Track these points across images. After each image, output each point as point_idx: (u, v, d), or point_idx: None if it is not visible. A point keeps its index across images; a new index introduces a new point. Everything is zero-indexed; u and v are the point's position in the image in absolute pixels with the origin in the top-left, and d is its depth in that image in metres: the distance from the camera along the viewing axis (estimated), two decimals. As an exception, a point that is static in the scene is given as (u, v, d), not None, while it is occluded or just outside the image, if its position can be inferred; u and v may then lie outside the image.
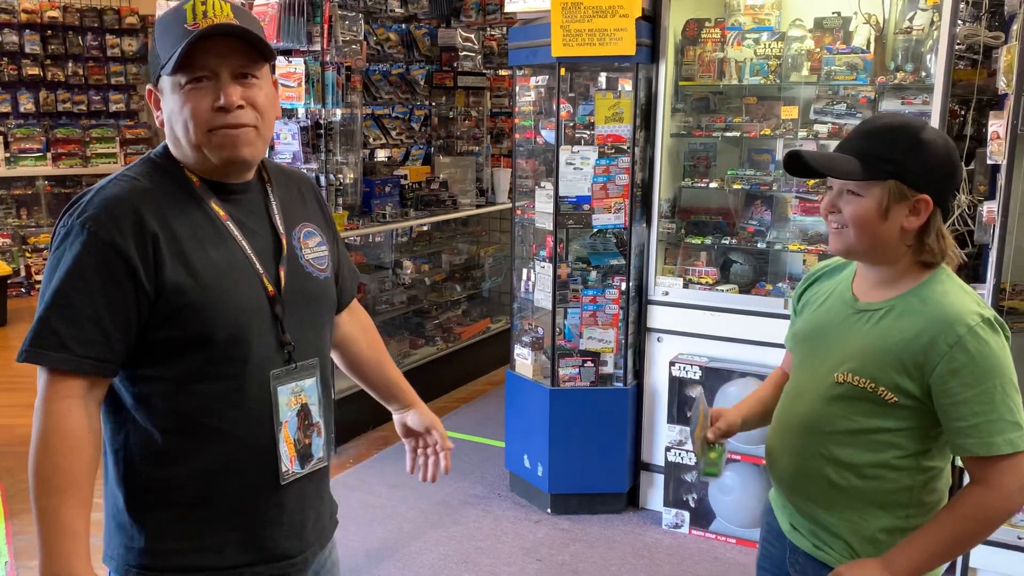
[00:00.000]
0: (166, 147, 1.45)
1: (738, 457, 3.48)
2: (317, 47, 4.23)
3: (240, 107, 1.36)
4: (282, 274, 1.45)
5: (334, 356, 1.72)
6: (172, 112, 1.38)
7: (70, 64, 8.46)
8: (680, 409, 3.62)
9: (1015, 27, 2.90)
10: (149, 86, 1.43)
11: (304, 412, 1.46)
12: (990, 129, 3.04)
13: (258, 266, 1.42)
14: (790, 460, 1.69)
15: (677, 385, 3.61)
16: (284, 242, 1.47)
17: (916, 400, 1.52)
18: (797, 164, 1.59)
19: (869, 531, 1.61)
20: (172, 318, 1.33)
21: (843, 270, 1.73)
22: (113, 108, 8.77)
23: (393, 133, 5.45)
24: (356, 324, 1.77)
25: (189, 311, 1.33)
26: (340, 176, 4.50)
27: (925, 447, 1.57)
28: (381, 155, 5.54)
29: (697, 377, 3.56)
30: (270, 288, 1.42)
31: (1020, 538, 2.93)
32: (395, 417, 1.82)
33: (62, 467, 1.28)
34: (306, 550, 1.51)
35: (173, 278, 1.32)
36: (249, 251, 1.41)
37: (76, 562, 1.28)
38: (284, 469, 1.43)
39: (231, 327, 1.36)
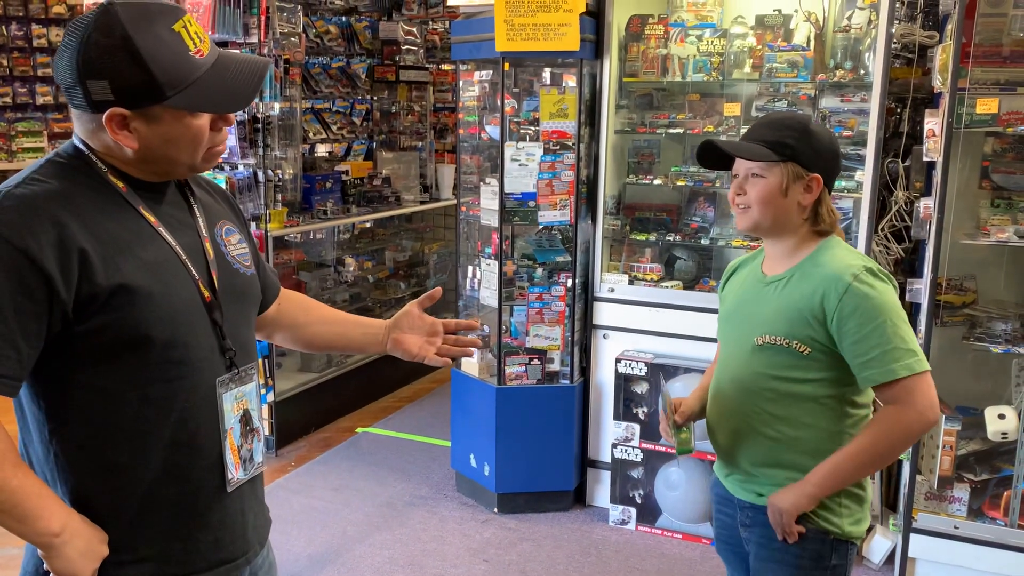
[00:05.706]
0: (76, 149, 1.34)
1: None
2: (254, 39, 4.11)
3: None
4: (215, 277, 1.41)
5: (295, 346, 1.77)
6: (173, 138, 1.31)
7: (-7, 55, 8.11)
8: (627, 405, 3.62)
9: (949, 27, 2.96)
10: (116, 110, 1.25)
11: (246, 417, 1.45)
12: (926, 127, 3.10)
13: (192, 271, 1.37)
14: (728, 424, 1.88)
15: (623, 382, 3.61)
16: (208, 244, 1.43)
17: (826, 348, 1.75)
18: (709, 154, 1.87)
19: None
20: (105, 324, 1.26)
21: (755, 259, 1.97)
22: (40, 101, 8.41)
23: (334, 128, 5.34)
24: (292, 304, 1.74)
25: (123, 315, 1.27)
26: (279, 172, 4.39)
27: (843, 393, 1.78)
28: (321, 150, 5.43)
29: (643, 373, 3.56)
30: (206, 294, 1.38)
31: (956, 527, 2.99)
32: (390, 343, 1.70)
33: None
34: (248, 551, 1.49)
35: (105, 284, 1.25)
36: (183, 255, 1.36)
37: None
38: (230, 476, 1.42)
39: (167, 329, 1.31)
